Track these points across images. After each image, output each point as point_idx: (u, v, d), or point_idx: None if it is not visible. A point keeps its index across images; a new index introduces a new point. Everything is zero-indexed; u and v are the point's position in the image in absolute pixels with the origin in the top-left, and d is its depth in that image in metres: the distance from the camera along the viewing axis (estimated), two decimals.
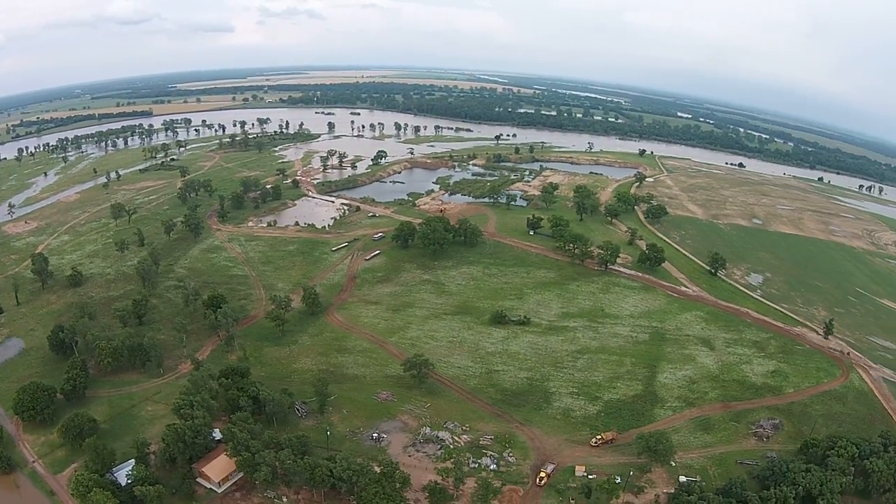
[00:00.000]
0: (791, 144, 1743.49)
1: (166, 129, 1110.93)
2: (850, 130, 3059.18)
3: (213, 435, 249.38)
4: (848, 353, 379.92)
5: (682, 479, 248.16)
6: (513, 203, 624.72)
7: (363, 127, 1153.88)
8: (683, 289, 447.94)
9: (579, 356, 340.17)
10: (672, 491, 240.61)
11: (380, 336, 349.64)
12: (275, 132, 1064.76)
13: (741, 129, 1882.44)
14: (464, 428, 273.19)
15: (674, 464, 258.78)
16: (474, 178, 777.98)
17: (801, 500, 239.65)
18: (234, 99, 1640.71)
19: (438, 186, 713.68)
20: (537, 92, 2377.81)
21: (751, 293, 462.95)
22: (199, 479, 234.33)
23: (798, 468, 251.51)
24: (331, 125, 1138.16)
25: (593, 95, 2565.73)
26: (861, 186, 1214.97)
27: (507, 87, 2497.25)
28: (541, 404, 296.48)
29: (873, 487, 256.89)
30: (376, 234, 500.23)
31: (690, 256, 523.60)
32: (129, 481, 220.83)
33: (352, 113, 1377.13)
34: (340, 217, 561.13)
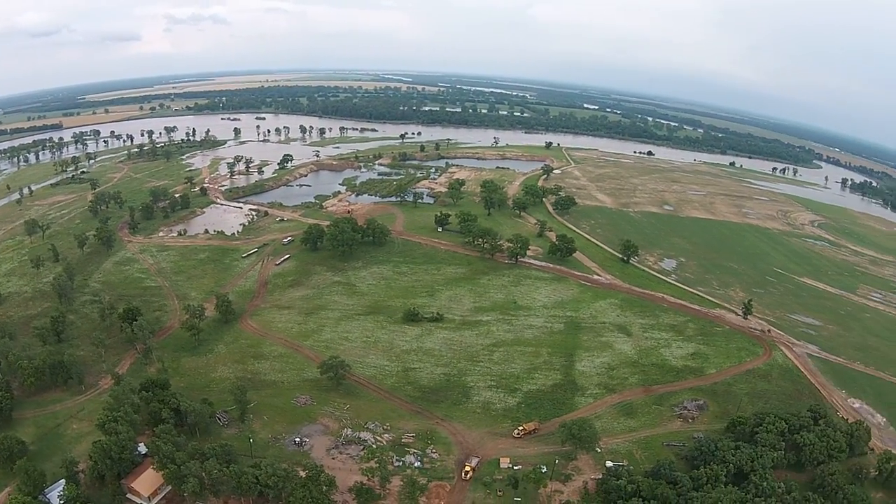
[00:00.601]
0: (701, 131, 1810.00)
1: (76, 142, 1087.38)
2: (761, 115, 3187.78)
3: (139, 449, 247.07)
4: (769, 331, 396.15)
5: (609, 464, 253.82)
6: (420, 201, 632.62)
7: (269, 131, 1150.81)
8: (596, 277, 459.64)
9: (495, 349, 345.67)
10: (600, 477, 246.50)
11: (294, 340, 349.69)
12: (182, 140, 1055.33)
13: (649, 118, 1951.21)
14: (385, 427, 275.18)
15: (599, 450, 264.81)
16: (381, 177, 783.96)
17: (732, 478, 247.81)
18: (141, 108, 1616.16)
19: (345, 188, 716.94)
20: (442, 89, 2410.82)
21: (665, 278, 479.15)
22: (129, 495, 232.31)
23: (727, 446, 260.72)
24: (237, 131, 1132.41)
25: (498, 91, 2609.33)
26: (774, 169, 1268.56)
27: (411, 85, 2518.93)
28: (460, 399, 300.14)
29: (806, 460, 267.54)
30: (285, 238, 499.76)
31: (602, 245, 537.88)
32: (62, 502, 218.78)
33: (257, 118, 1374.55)
34: (249, 223, 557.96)
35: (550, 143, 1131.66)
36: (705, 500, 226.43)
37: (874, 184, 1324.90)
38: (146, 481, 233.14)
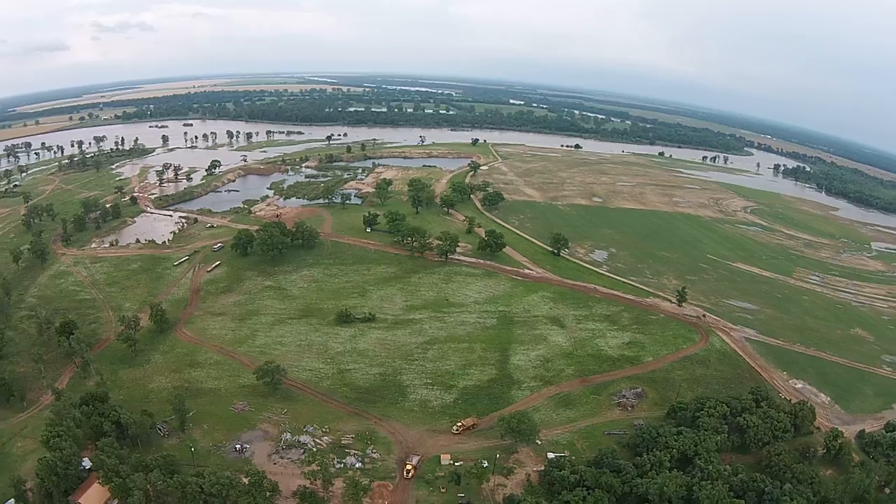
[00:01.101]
0: (629, 122, 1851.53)
1: (8, 155, 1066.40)
2: (690, 104, 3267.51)
3: (84, 464, 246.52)
4: (704, 317, 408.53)
5: (551, 455, 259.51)
6: (348, 202, 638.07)
7: (196, 138, 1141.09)
8: (527, 271, 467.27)
9: (429, 347, 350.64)
10: (542, 469, 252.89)
11: (229, 347, 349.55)
12: (111, 150, 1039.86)
13: (576, 112, 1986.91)
14: (324, 430, 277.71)
15: (539, 442, 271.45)
16: (308, 180, 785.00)
17: (677, 463, 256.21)
18: (71, 119, 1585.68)
19: (273, 192, 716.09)
20: (367, 90, 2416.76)
21: (597, 269, 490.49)
22: None
23: (669, 432, 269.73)
24: (165, 138, 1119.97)
25: (424, 89, 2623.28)
26: (705, 158, 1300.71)
27: (336, 87, 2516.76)
28: (396, 398, 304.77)
29: (750, 442, 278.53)
30: (215, 244, 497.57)
31: (532, 239, 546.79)
32: None
33: (185, 124, 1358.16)
34: (179, 230, 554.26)
35: (477, 140, 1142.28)
36: (650, 487, 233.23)
37: (807, 168, 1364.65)
38: (93, 497, 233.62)
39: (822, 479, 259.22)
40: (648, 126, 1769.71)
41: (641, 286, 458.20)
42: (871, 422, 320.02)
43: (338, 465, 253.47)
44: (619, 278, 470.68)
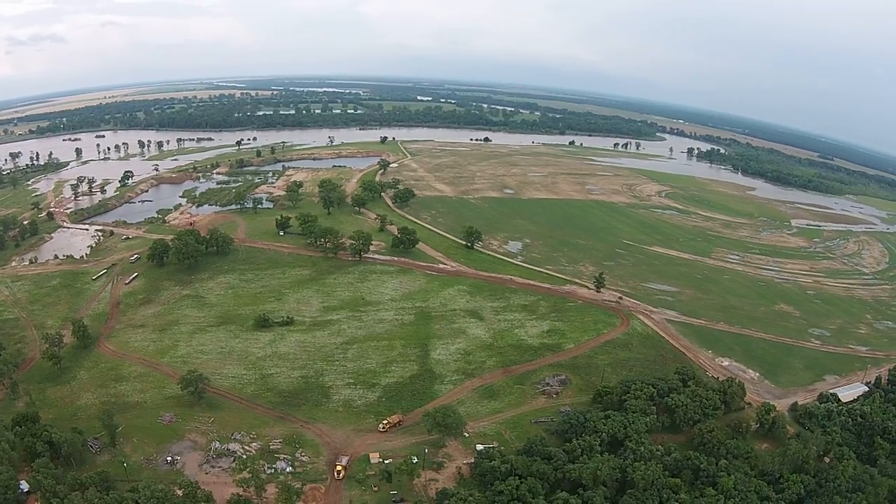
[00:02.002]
0: (538, 114, 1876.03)
1: None
2: (599, 93, 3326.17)
3: (22, 487, 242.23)
4: (620, 300, 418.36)
5: (479, 447, 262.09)
6: (260, 206, 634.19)
7: (109, 149, 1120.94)
8: (442, 266, 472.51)
9: (349, 347, 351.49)
10: (472, 461, 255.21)
11: (152, 358, 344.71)
12: (27, 165, 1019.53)
13: (485, 105, 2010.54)
14: (251, 436, 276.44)
15: (467, 435, 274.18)
16: (220, 186, 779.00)
17: (607, 447, 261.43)
18: None
19: (186, 200, 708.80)
20: (275, 93, 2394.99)
21: (512, 260, 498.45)
22: None
23: (596, 417, 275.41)
24: (78, 151, 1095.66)
25: (332, 90, 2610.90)
26: (616, 144, 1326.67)
27: (245, 91, 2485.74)
28: (320, 400, 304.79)
29: (681, 421, 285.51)
30: (132, 256, 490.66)
31: (445, 234, 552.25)
32: None
33: (97, 136, 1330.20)
34: (96, 244, 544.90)
35: (386, 138, 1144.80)
36: (583, 472, 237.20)
37: (722, 151, 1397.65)
38: None
39: (757, 452, 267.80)
40: (558, 116, 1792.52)
41: (558, 274, 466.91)
42: (803, 394, 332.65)
43: (269, 471, 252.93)
44: (534, 268, 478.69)
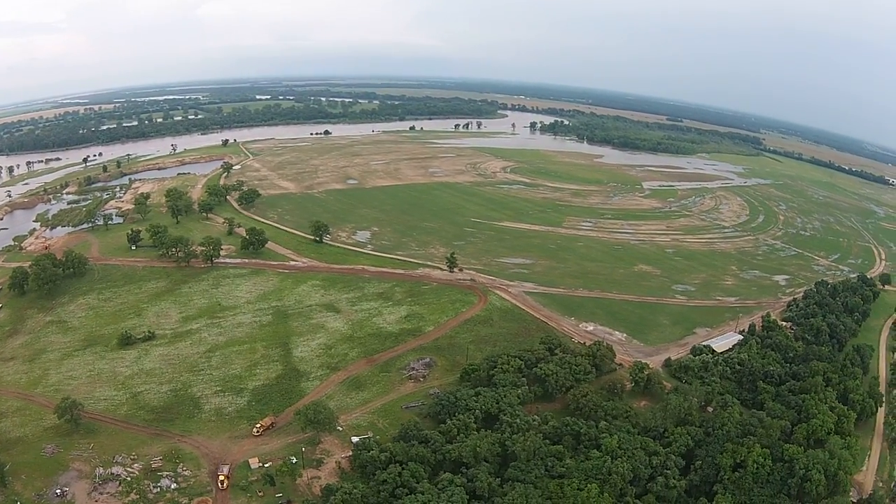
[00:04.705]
0: (377, 102, 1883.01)
1: None
2: (437, 77, 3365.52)
3: None
4: (472, 280, 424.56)
5: (355, 439, 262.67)
6: (110, 222, 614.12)
7: None
8: (293, 263, 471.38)
9: (211, 355, 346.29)
10: (350, 454, 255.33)
11: (26, 391, 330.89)
12: None
13: (323, 99, 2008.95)
14: (132, 457, 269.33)
15: (341, 428, 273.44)
16: (70, 206, 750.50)
17: (483, 423, 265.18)
18: None
19: (39, 223, 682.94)
20: (118, 105, 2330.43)
21: (362, 250, 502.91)
22: None
23: (467, 395, 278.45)
24: None
25: (172, 97, 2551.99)
26: (457, 126, 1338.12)
27: (89, 106, 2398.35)
28: (192, 411, 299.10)
29: (553, 389, 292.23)
30: None
31: (293, 231, 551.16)
32: None
33: None
34: None
35: (227, 141, 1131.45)
36: (463, 450, 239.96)
37: (565, 122, 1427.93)
38: None
39: (637, 411, 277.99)
40: (397, 103, 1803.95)
41: (409, 259, 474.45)
42: (675, 349, 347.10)
43: (155, 490, 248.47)
44: (385, 255, 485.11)
